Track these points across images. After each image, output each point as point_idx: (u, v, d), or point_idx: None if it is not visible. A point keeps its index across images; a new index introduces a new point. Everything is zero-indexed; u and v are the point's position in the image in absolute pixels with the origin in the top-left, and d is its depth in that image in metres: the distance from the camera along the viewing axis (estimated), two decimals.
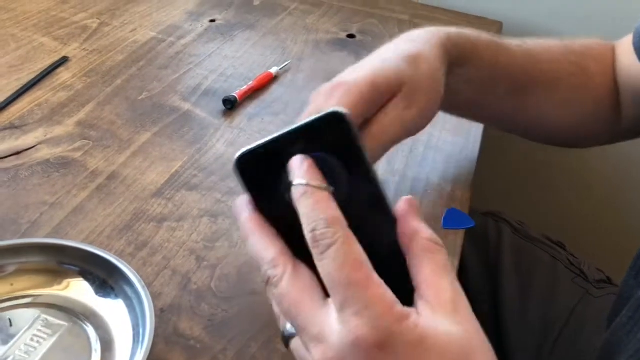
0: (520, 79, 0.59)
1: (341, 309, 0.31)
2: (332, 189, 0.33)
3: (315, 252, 0.32)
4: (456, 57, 0.54)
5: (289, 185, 0.34)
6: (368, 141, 0.46)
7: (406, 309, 0.31)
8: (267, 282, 0.34)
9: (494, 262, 0.75)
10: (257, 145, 0.34)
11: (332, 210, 0.33)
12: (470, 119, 0.67)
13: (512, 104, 0.61)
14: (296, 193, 0.33)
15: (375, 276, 0.32)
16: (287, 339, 0.36)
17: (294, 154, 0.34)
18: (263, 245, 0.34)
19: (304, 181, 0.33)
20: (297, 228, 0.33)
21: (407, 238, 0.34)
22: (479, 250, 0.77)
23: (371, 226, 0.34)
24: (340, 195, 0.33)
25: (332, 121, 0.33)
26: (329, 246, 0.31)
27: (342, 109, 0.33)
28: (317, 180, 0.33)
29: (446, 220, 0.58)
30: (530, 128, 0.66)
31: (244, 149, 0.34)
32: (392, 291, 0.31)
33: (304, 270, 0.34)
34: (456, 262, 0.55)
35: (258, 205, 0.35)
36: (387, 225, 0.35)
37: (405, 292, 0.32)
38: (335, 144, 0.34)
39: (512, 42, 0.59)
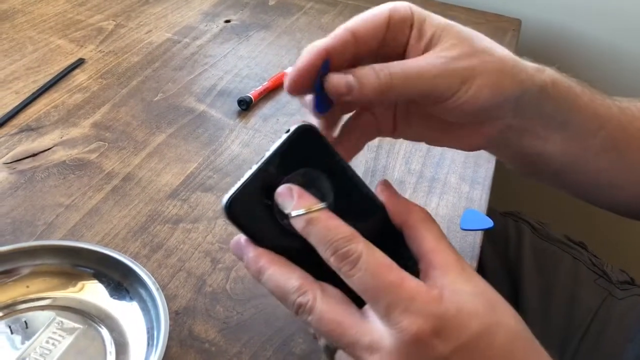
0: (615, 135, 0.49)
1: (387, 312, 0.31)
2: (325, 203, 0.34)
3: (344, 270, 0.32)
4: (556, 106, 0.46)
5: (286, 216, 0.34)
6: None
7: (434, 289, 0.33)
8: (298, 310, 0.33)
9: (514, 263, 0.74)
10: (240, 186, 0.34)
11: (343, 227, 0.33)
12: (555, 185, 0.54)
13: (604, 164, 0.50)
14: (299, 224, 0.33)
15: (401, 270, 0.33)
16: (331, 352, 0.35)
17: (276, 179, 0.34)
18: (283, 276, 0.34)
19: (302, 210, 0.33)
20: (303, 251, 0.34)
21: (401, 215, 0.36)
22: (499, 251, 0.76)
23: (364, 219, 0.36)
24: (331, 203, 0.35)
25: (302, 135, 0.35)
26: (357, 260, 0.32)
27: (306, 123, 0.35)
28: (312, 202, 0.34)
29: (464, 221, 0.57)
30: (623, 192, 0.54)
31: (228, 194, 0.34)
32: None
33: (330, 288, 0.34)
34: (475, 264, 0.54)
35: (257, 241, 0.35)
36: (378, 213, 0.36)
37: (407, 268, 0.33)
38: (310, 156, 0.35)
39: (601, 97, 0.50)
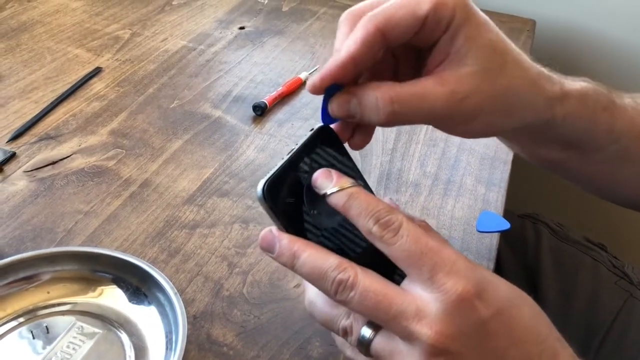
0: (630, 146, 0.49)
1: (432, 275, 0.33)
2: (360, 182, 0.37)
3: (387, 237, 0.34)
4: (563, 133, 0.46)
5: (316, 205, 0.36)
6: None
7: (466, 259, 0.35)
8: (338, 288, 0.34)
9: (532, 265, 0.73)
10: (274, 172, 0.36)
11: (381, 201, 0.35)
12: (563, 178, 0.56)
13: (616, 170, 0.51)
14: (341, 198, 0.35)
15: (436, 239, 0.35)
16: (366, 345, 0.35)
17: (302, 171, 0.37)
18: (321, 256, 0.34)
19: (339, 187, 0.35)
20: (330, 240, 0.36)
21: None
22: (517, 254, 0.75)
23: None
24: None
25: (323, 133, 0.39)
26: (399, 227, 0.34)
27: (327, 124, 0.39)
28: (349, 181, 0.36)
29: (481, 224, 0.57)
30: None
31: (263, 180, 0.35)
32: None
33: (366, 269, 0.35)
34: (492, 266, 0.54)
35: (288, 230, 0.36)
36: None
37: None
38: (329, 151, 0.39)
39: (627, 101, 0.50)
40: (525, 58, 0.42)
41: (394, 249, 0.34)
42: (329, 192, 0.36)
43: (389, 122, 0.38)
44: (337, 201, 0.35)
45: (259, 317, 0.48)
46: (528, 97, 0.42)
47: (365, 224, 0.34)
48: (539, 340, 0.35)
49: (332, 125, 0.40)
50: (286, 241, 0.35)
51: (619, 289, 0.70)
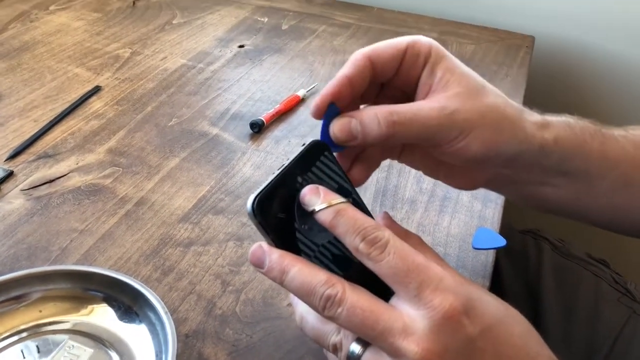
0: (629, 172, 0.50)
1: (419, 292, 0.33)
2: (348, 199, 0.37)
3: (374, 255, 0.34)
4: (559, 160, 0.47)
5: (307, 220, 0.36)
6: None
7: (455, 275, 0.36)
8: (326, 304, 0.34)
9: (534, 281, 0.73)
10: (264, 187, 0.36)
11: (368, 217, 0.35)
12: (562, 216, 0.54)
13: (619, 200, 0.51)
14: (327, 215, 0.35)
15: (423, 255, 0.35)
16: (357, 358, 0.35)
17: (294, 186, 0.37)
18: (310, 272, 0.35)
19: (327, 204, 0.36)
20: (319, 257, 0.36)
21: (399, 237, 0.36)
22: (518, 270, 0.75)
23: None
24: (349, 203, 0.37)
25: (316, 148, 0.39)
26: (386, 244, 0.34)
27: (319, 139, 0.40)
28: (338, 198, 0.36)
29: (476, 240, 0.56)
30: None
31: (253, 194, 0.36)
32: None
33: (355, 285, 0.35)
34: (487, 283, 0.53)
35: (277, 245, 0.36)
36: None
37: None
38: (322, 167, 0.39)
39: (616, 132, 0.51)
40: (502, 93, 0.46)
41: (381, 266, 0.34)
42: (317, 208, 0.36)
43: (389, 135, 0.40)
44: (324, 218, 0.36)
45: (251, 336, 0.48)
46: (514, 117, 0.44)
47: (352, 241, 0.35)
48: (529, 358, 0.35)
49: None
50: (276, 256, 0.36)
51: (621, 306, 0.69)
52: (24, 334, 0.45)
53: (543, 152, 0.45)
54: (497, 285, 0.75)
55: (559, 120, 0.47)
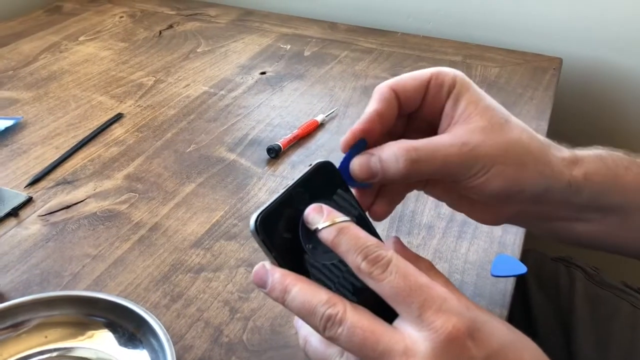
0: None
1: (421, 313, 0.32)
2: (351, 218, 0.36)
3: (376, 274, 0.33)
4: (590, 196, 0.45)
5: (311, 239, 0.36)
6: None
7: (461, 298, 0.35)
8: (327, 324, 0.33)
9: (566, 311, 0.70)
10: (268, 205, 0.36)
11: (371, 236, 0.35)
12: (595, 250, 0.52)
13: None
14: (330, 234, 0.35)
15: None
16: None
17: (299, 205, 0.36)
18: (311, 291, 0.34)
19: (330, 222, 0.35)
20: (323, 277, 0.36)
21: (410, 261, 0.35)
22: (550, 299, 0.72)
23: None
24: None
25: (323, 169, 0.39)
26: (388, 264, 0.33)
27: (327, 160, 0.39)
28: (341, 217, 0.35)
29: (495, 267, 0.54)
30: None
31: (257, 212, 0.35)
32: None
33: (356, 305, 0.34)
34: (505, 312, 0.51)
35: (281, 264, 0.36)
36: None
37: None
38: (329, 187, 0.38)
39: None
40: (529, 128, 0.44)
41: (383, 285, 0.33)
42: (319, 226, 0.35)
43: (408, 172, 0.40)
44: (327, 236, 0.35)
45: None
46: (539, 153, 0.42)
47: (354, 260, 0.34)
48: None
49: (353, 190, 0.41)
50: (278, 275, 0.35)
51: None
52: None
53: (572, 189, 0.43)
54: (527, 315, 0.72)
55: (589, 155, 0.45)
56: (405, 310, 0.33)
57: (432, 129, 0.44)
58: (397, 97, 0.42)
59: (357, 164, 0.41)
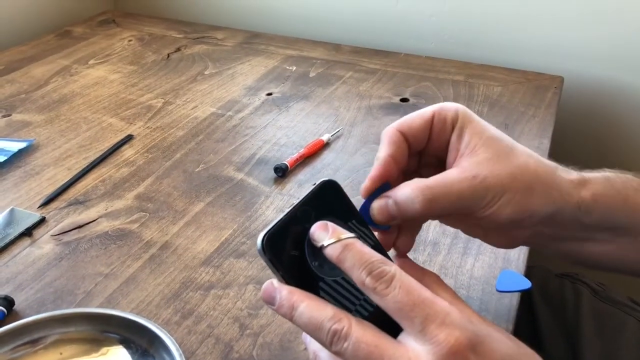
0: None
1: (424, 327, 0.33)
2: (356, 234, 0.37)
3: (380, 289, 0.34)
4: (600, 217, 0.46)
5: (317, 256, 0.37)
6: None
7: (464, 311, 0.35)
8: (333, 339, 0.34)
9: (572, 327, 0.70)
10: (274, 225, 0.37)
11: (375, 252, 0.36)
12: (608, 271, 0.53)
13: None
14: (335, 250, 0.36)
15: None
16: None
17: (305, 223, 0.37)
18: (318, 307, 0.35)
19: (335, 239, 0.36)
20: (332, 292, 0.37)
21: (415, 276, 0.36)
22: (556, 315, 0.72)
23: None
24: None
25: (328, 187, 0.40)
26: (392, 279, 0.34)
27: (330, 178, 0.40)
28: (346, 233, 0.37)
29: (500, 283, 0.55)
30: None
31: (264, 231, 0.36)
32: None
33: (362, 320, 0.35)
34: (511, 327, 0.51)
35: (288, 281, 0.37)
36: None
37: None
38: (334, 205, 0.39)
39: None
40: (535, 153, 0.45)
41: (387, 300, 0.34)
42: (325, 244, 0.36)
43: (425, 211, 0.41)
44: (332, 253, 0.36)
45: None
46: (546, 177, 0.44)
47: (359, 276, 0.35)
48: None
49: (376, 233, 0.42)
50: (285, 292, 0.36)
51: None
52: None
53: (581, 211, 0.44)
54: (533, 331, 0.72)
55: (597, 177, 0.46)
56: (409, 325, 0.33)
57: (441, 163, 0.45)
58: (406, 138, 0.44)
59: (376, 208, 0.42)
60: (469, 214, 0.43)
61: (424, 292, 0.34)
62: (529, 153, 0.44)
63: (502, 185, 0.42)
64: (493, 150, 0.43)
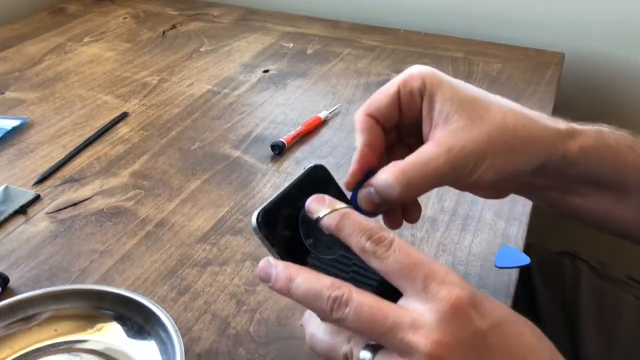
0: None
1: (425, 286, 0.33)
2: (351, 206, 0.37)
3: (380, 252, 0.34)
4: (586, 170, 0.45)
5: (311, 233, 0.37)
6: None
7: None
8: (333, 306, 0.33)
9: (571, 305, 0.70)
10: (268, 203, 0.37)
11: (372, 221, 0.35)
12: (593, 228, 0.53)
13: None
14: (333, 219, 0.36)
15: None
16: None
17: (299, 202, 0.37)
18: (315, 278, 0.35)
19: (331, 209, 0.36)
20: (326, 270, 0.36)
21: None
22: (555, 293, 0.72)
23: None
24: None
25: (315, 171, 0.40)
26: (392, 242, 0.34)
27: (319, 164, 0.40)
28: (342, 204, 0.37)
29: (499, 259, 0.54)
30: None
31: (259, 209, 0.36)
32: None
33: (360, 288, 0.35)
34: (509, 303, 0.51)
35: (283, 258, 0.37)
36: None
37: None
38: (322, 189, 0.39)
39: None
40: (517, 105, 0.44)
41: (387, 263, 0.34)
42: (321, 214, 0.36)
43: (406, 194, 0.41)
44: (330, 222, 0.36)
45: (264, 356, 0.47)
46: (526, 132, 0.42)
47: (358, 242, 0.35)
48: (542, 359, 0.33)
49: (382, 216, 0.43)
50: (281, 267, 0.36)
51: None
52: (40, 353, 0.45)
53: (566, 162, 0.44)
54: (532, 309, 0.72)
55: (589, 129, 0.45)
56: (410, 285, 0.33)
57: (420, 135, 0.44)
58: (377, 121, 0.43)
59: (362, 199, 0.42)
60: (451, 184, 0.43)
61: (423, 256, 0.34)
62: (508, 107, 0.43)
63: (481, 151, 0.41)
64: (467, 114, 0.41)
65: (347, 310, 0.33)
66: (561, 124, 0.44)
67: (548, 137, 0.43)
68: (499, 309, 0.34)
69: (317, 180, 0.40)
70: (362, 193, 0.42)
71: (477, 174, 0.41)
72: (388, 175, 0.40)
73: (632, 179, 0.46)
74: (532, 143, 0.42)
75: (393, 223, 0.45)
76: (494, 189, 0.46)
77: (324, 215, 0.36)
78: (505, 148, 0.42)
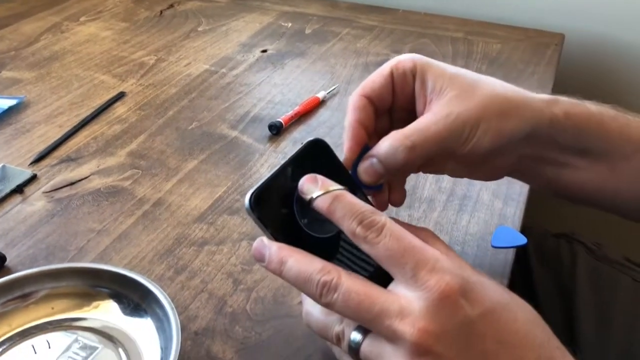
0: None
1: (414, 273, 0.32)
2: (345, 187, 0.36)
3: (371, 237, 0.34)
4: (574, 136, 0.46)
5: (306, 213, 0.37)
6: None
7: (455, 259, 0.35)
8: (322, 290, 0.34)
9: (568, 286, 0.70)
10: (261, 183, 0.36)
11: (365, 203, 0.35)
12: (590, 206, 0.52)
13: None
14: (325, 201, 0.35)
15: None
16: (356, 350, 0.35)
17: (293, 181, 0.37)
18: (307, 261, 0.35)
19: (324, 191, 0.36)
20: (321, 250, 0.36)
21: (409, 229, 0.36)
22: (551, 274, 0.73)
23: None
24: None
25: (315, 146, 0.39)
26: (383, 227, 0.34)
27: (318, 137, 0.40)
28: (335, 185, 0.36)
29: (496, 239, 0.54)
30: None
31: (252, 190, 0.36)
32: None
33: (351, 272, 0.35)
34: (505, 282, 0.51)
35: (277, 239, 0.37)
36: None
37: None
38: (322, 164, 0.39)
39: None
40: (503, 81, 0.46)
41: (378, 248, 0.34)
42: (314, 196, 0.36)
43: (409, 160, 0.41)
44: (322, 204, 0.36)
45: (260, 333, 0.47)
46: (516, 99, 0.44)
47: (350, 225, 0.35)
48: (534, 346, 0.34)
49: (370, 198, 0.43)
50: (274, 248, 0.36)
51: None
52: (37, 330, 0.46)
53: (554, 128, 0.45)
54: (529, 289, 0.72)
55: (571, 99, 0.47)
56: (400, 272, 0.33)
57: (412, 116, 0.45)
58: (370, 101, 0.44)
59: (362, 170, 0.43)
60: (450, 153, 0.44)
61: (414, 240, 0.34)
62: (494, 82, 0.45)
63: (476, 117, 0.42)
64: (458, 86, 0.43)
65: (335, 296, 0.33)
66: (543, 95, 0.46)
67: (535, 104, 0.45)
68: (492, 295, 0.34)
69: (317, 155, 0.39)
70: (363, 166, 0.42)
71: (475, 138, 0.43)
72: (392, 141, 0.41)
73: (617, 147, 0.47)
74: (522, 109, 0.44)
75: (380, 205, 0.46)
76: (490, 164, 0.46)
77: (317, 197, 0.36)
78: (499, 113, 0.43)
